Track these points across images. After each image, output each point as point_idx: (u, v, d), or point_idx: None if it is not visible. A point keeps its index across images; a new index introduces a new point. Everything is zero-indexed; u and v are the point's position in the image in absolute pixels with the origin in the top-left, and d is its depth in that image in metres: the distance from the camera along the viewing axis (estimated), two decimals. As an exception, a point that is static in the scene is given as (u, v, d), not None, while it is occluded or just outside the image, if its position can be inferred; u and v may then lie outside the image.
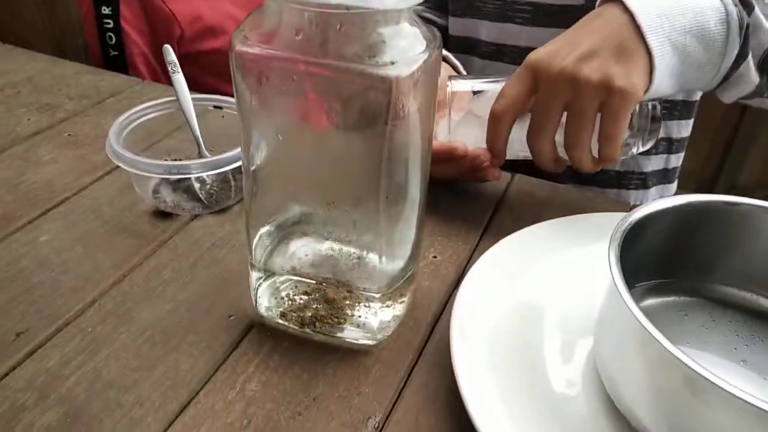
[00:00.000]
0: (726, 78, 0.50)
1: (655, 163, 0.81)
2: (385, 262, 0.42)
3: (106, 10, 0.89)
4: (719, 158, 1.69)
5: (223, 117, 0.63)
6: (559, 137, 0.52)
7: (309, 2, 0.32)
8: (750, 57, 0.49)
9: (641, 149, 0.55)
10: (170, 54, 0.63)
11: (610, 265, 0.36)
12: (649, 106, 0.53)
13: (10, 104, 0.72)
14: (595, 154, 0.51)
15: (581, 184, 0.76)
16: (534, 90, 0.50)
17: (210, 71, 0.93)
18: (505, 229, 0.53)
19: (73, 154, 0.64)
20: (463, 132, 0.57)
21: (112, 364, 0.42)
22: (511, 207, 0.60)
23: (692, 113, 0.82)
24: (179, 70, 0.62)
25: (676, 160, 0.84)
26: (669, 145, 0.81)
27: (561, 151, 0.53)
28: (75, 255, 0.51)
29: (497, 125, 0.52)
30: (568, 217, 0.54)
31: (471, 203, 0.60)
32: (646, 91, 0.48)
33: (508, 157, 0.55)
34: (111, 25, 0.89)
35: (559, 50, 0.49)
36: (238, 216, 0.57)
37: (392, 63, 0.33)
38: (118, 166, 0.62)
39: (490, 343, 0.42)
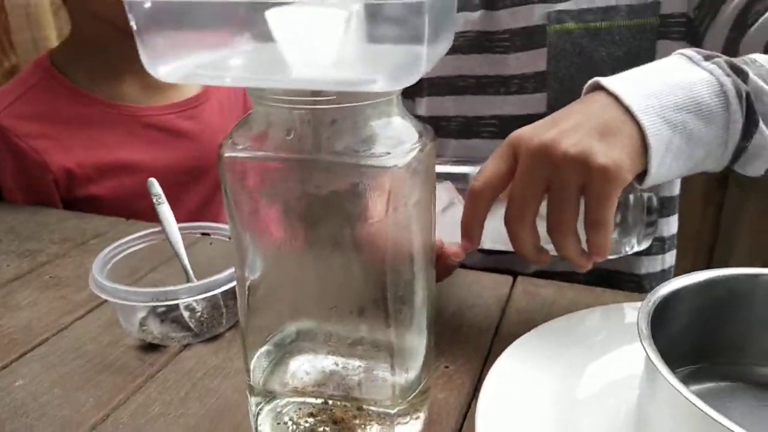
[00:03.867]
0: (742, 151, 0.47)
1: (649, 265, 0.80)
2: (398, 372, 0.39)
3: None
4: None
5: (211, 244, 0.61)
6: (542, 229, 0.48)
7: (299, 100, 0.32)
8: (762, 124, 0.46)
9: (637, 247, 0.51)
10: (155, 186, 0.62)
11: (646, 352, 0.34)
12: (644, 197, 0.50)
13: (-10, 252, 0.70)
14: (584, 244, 0.49)
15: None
16: (514, 168, 0.46)
17: (99, 214, 0.87)
18: (515, 331, 0.50)
19: (53, 295, 0.61)
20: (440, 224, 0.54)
21: None
22: (518, 308, 0.57)
23: (676, 207, 0.82)
24: (164, 200, 0.61)
25: (671, 258, 0.83)
26: (662, 245, 0.81)
27: (546, 245, 0.49)
28: (53, 398, 0.47)
29: (475, 203, 0.47)
30: (579, 312, 0.52)
31: (476, 308, 0.57)
32: (644, 175, 0.45)
33: (485, 246, 0.51)
34: None
35: (540, 127, 0.46)
36: (231, 342, 0.54)
37: (388, 153, 0.32)
38: (101, 304, 0.60)
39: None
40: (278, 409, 0.42)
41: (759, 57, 0.49)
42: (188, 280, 0.58)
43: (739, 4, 0.62)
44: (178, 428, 0.44)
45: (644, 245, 0.51)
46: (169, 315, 0.56)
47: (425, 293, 0.39)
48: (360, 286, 0.36)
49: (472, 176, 0.49)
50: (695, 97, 0.45)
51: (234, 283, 0.52)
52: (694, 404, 0.30)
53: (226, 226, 0.60)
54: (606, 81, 0.46)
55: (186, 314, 0.54)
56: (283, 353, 0.42)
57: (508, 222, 0.47)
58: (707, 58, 0.47)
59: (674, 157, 0.45)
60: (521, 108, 0.74)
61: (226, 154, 0.34)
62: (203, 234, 0.61)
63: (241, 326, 0.40)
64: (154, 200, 0.61)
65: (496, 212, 0.49)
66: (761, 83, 0.46)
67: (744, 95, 0.45)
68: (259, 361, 0.42)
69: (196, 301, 0.55)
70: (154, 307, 0.56)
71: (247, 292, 0.39)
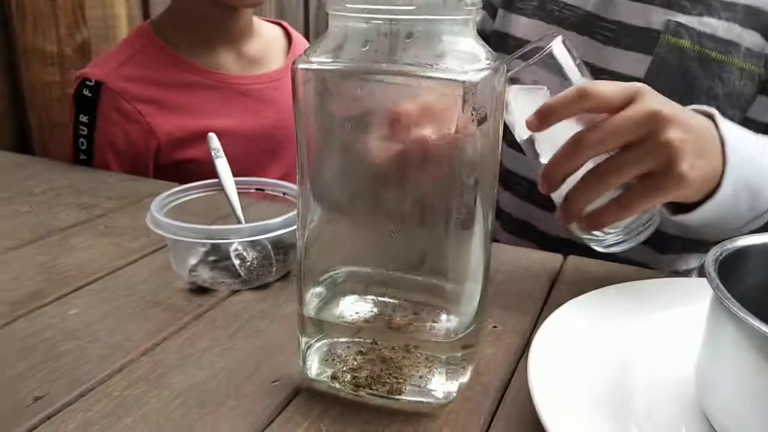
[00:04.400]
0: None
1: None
2: (452, 311, 0.38)
3: (83, 118, 0.89)
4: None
5: (264, 200, 0.62)
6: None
7: (378, 10, 0.32)
8: None
9: (610, 247, 0.53)
10: (214, 140, 0.63)
11: (714, 288, 0.32)
12: (654, 217, 0.51)
13: (50, 203, 0.72)
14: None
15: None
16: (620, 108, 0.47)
17: (183, 179, 0.91)
18: (565, 301, 0.49)
19: (108, 241, 0.63)
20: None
21: (140, 428, 0.37)
22: (569, 282, 0.56)
23: None
24: (222, 155, 0.62)
25: None
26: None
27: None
28: (105, 326, 0.47)
29: (580, 153, 0.47)
30: (634, 282, 0.50)
31: (526, 280, 0.56)
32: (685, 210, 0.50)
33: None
34: (85, 132, 0.89)
35: (668, 102, 0.48)
36: (280, 292, 0.54)
37: (461, 69, 0.32)
38: (154, 251, 0.60)
39: (577, 403, 0.37)
40: (327, 347, 0.41)
41: None
42: (240, 229, 0.58)
43: None
44: (225, 361, 0.44)
45: (613, 249, 0.53)
46: (219, 263, 0.56)
47: (484, 227, 0.38)
48: (423, 204, 0.35)
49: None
50: (764, 184, 0.51)
51: (283, 231, 0.53)
52: (763, 332, 0.28)
53: (280, 182, 0.61)
54: (720, 121, 0.50)
55: (236, 262, 0.55)
56: (334, 291, 0.42)
57: (600, 169, 0.47)
58: None
59: (717, 219, 0.51)
60: None
61: (300, 66, 0.34)
62: (257, 189, 0.61)
63: (299, 259, 0.40)
64: (213, 153, 0.62)
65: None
66: None
67: None
68: (312, 297, 0.41)
69: (246, 249, 0.55)
70: (206, 254, 0.57)
71: (308, 222, 0.39)
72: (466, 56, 0.33)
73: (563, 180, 0.49)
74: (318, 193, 0.38)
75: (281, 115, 1.01)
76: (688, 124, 0.47)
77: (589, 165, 0.48)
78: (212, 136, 0.63)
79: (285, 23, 1.11)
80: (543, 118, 0.47)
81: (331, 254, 0.42)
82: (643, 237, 0.52)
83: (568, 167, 0.48)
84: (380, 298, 0.42)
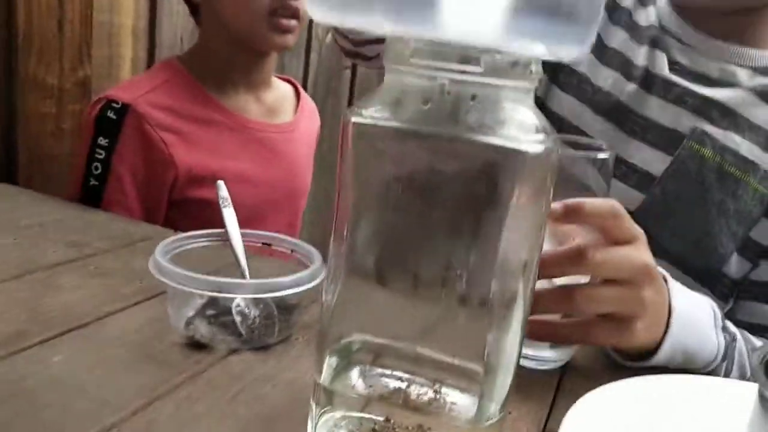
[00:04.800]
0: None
1: None
2: (485, 398, 0.36)
3: (102, 141, 0.86)
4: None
5: (270, 255, 0.59)
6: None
7: (444, 68, 0.31)
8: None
9: (545, 363, 0.53)
10: (222, 189, 0.61)
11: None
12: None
13: (37, 238, 0.68)
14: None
15: None
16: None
17: (191, 218, 0.89)
18: (577, 391, 0.46)
19: (98, 283, 0.59)
20: None
21: (131, 501, 0.33)
22: (579, 368, 0.54)
23: None
24: (230, 204, 0.60)
25: None
26: None
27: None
28: (93, 378, 0.43)
29: (578, 264, 0.48)
30: (655, 376, 0.48)
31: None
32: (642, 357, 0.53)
33: None
34: (102, 156, 0.86)
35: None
36: (282, 354, 0.50)
37: (521, 139, 0.31)
38: (148, 298, 0.57)
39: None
40: (337, 421, 0.38)
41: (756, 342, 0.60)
42: (244, 285, 0.55)
43: None
44: (225, 429, 0.40)
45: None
46: (219, 318, 0.53)
47: (525, 311, 0.36)
48: (468, 283, 0.33)
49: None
50: (701, 353, 0.54)
51: (293, 291, 0.50)
52: None
53: (288, 238, 0.58)
54: (672, 287, 0.53)
55: (238, 318, 0.51)
56: (350, 359, 0.39)
57: (575, 292, 0.49)
58: (724, 329, 0.56)
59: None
60: (611, 191, 0.73)
61: (354, 120, 0.32)
62: (264, 244, 0.59)
63: (323, 323, 0.37)
64: (221, 203, 0.60)
65: None
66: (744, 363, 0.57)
67: (728, 360, 0.56)
68: (328, 364, 0.38)
69: (248, 307, 0.52)
70: (204, 309, 0.53)
71: (339, 285, 0.36)
72: (527, 126, 0.32)
73: (540, 278, 0.48)
74: (353, 256, 0.35)
75: (289, 168, 1.01)
76: (662, 287, 0.51)
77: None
78: (221, 184, 0.61)
79: (294, 80, 1.12)
80: (570, 214, 0.47)
81: (354, 321, 0.39)
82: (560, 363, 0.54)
83: (556, 270, 0.48)
84: (398, 372, 0.39)
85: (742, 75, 0.72)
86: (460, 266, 0.33)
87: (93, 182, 0.87)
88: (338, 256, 0.36)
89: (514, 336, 0.36)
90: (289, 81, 1.13)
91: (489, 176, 0.31)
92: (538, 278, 0.48)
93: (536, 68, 0.32)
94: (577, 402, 0.43)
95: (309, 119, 1.12)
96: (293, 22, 0.92)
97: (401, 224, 0.34)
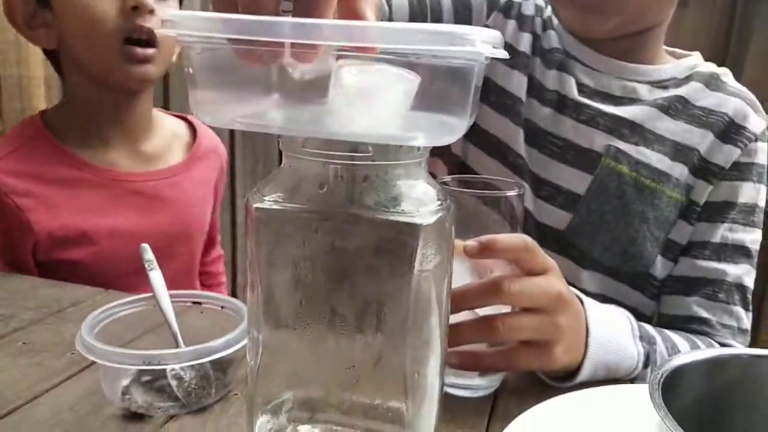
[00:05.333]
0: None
1: None
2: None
3: None
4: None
5: (201, 313, 0.60)
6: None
7: (336, 155, 0.33)
8: None
9: (477, 390, 0.57)
10: (147, 252, 0.61)
11: (660, 415, 0.34)
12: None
13: (-42, 318, 0.67)
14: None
15: None
16: None
17: (72, 280, 0.83)
18: (512, 412, 0.50)
19: (28, 361, 0.58)
20: None
21: None
22: (512, 389, 0.57)
23: None
24: (156, 266, 0.60)
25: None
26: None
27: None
28: (27, 469, 0.43)
29: (496, 295, 0.51)
30: (582, 391, 0.52)
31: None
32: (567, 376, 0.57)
33: None
34: None
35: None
36: (220, 415, 0.51)
37: (417, 212, 0.33)
38: (80, 371, 0.57)
39: None
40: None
41: (679, 344, 0.65)
42: (177, 347, 0.56)
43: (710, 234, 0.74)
44: (165, 502, 0.41)
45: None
46: (155, 384, 0.53)
47: (440, 360, 0.38)
48: (380, 345, 0.35)
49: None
50: (622, 365, 0.57)
51: (225, 353, 0.51)
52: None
53: (218, 295, 0.59)
54: (588, 308, 0.56)
55: (174, 383, 0.52)
56: (284, 418, 0.41)
57: (495, 322, 0.52)
58: (641, 338, 0.60)
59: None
60: (540, 214, 0.76)
61: (257, 206, 0.34)
62: (194, 303, 0.59)
63: (249, 389, 0.39)
64: (146, 266, 0.60)
65: None
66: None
67: (651, 364, 0.60)
68: (262, 425, 0.40)
69: (184, 370, 0.53)
70: (139, 375, 0.54)
71: (260, 353, 0.38)
72: (419, 198, 0.35)
73: (462, 309, 0.52)
74: (268, 321, 0.37)
75: (176, 214, 0.97)
76: (578, 311, 0.55)
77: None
78: (145, 247, 0.61)
79: (191, 117, 1.06)
80: (485, 250, 0.50)
81: (280, 379, 0.41)
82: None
83: (476, 302, 0.51)
84: (330, 426, 0.41)
85: (642, 90, 0.77)
86: (374, 331, 0.35)
87: None
88: (255, 326, 0.37)
89: (432, 370, 0.38)
90: (184, 118, 1.07)
91: (389, 249, 0.34)
92: (461, 310, 0.51)
93: (423, 148, 0.34)
94: (508, 426, 0.46)
95: (205, 157, 1.06)
96: (149, 51, 0.87)
97: (311, 299, 0.35)
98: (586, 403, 0.51)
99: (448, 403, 0.54)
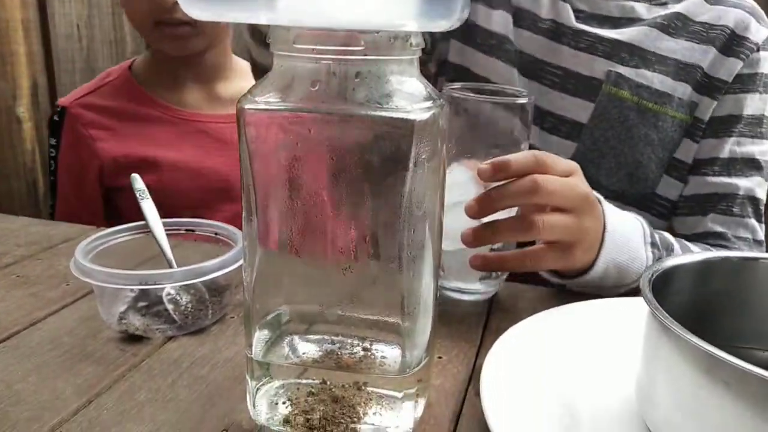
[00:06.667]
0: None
1: None
2: (406, 347, 0.38)
3: (52, 141, 1.02)
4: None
5: (195, 241, 0.60)
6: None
7: (327, 50, 0.32)
8: None
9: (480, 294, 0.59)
10: (138, 182, 0.61)
11: (650, 307, 0.35)
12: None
13: (-50, 254, 0.66)
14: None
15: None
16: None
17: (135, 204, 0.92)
18: (504, 327, 0.50)
19: (23, 293, 0.58)
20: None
21: (82, 495, 0.34)
22: (505, 308, 0.58)
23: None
24: (148, 196, 0.60)
25: None
26: None
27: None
28: (28, 386, 0.44)
29: (536, 192, 0.51)
30: (570, 305, 0.53)
31: (462, 307, 0.58)
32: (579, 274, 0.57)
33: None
34: (53, 154, 1.02)
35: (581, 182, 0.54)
36: (218, 335, 0.52)
37: (410, 108, 0.33)
38: (76, 300, 0.57)
39: (530, 428, 0.38)
40: (277, 389, 0.40)
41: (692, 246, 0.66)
42: (172, 273, 0.56)
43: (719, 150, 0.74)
44: (168, 413, 0.42)
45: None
46: (151, 309, 0.53)
47: (434, 259, 0.39)
48: (376, 243, 0.36)
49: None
50: (631, 267, 0.58)
51: (220, 272, 0.51)
52: (699, 346, 0.30)
53: (211, 222, 0.59)
54: (606, 208, 0.57)
55: (170, 307, 0.52)
56: (280, 331, 0.41)
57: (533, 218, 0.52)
58: (653, 244, 0.60)
59: (590, 287, 0.58)
60: (546, 145, 0.75)
61: (248, 107, 0.34)
62: (187, 230, 0.59)
63: (246, 300, 0.39)
64: (138, 195, 0.60)
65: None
66: None
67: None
68: (258, 339, 0.40)
69: (179, 294, 0.53)
70: (135, 302, 0.54)
71: (255, 266, 0.38)
72: (412, 95, 0.34)
73: (499, 209, 0.51)
74: (266, 234, 0.37)
75: (236, 158, 1.04)
76: (599, 213, 0.55)
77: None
78: (136, 177, 0.61)
79: None
80: (499, 171, 0.50)
81: (277, 294, 0.41)
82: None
83: (514, 200, 0.51)
84: (327, 336, 0.42)
85: (641, 9, 0.76)
86: (369, 229, 0.35)
87: (51, 178, 1.03)
88: (251, 234, 0.37)
89: (427, 283, 0.38)
90: None
91: (383, 146, 0.33)
92: (497, 210, 0.52)
93: (416, 40, 0.34)
94: (498, 339, 0.47)
95: None
96: (182, 30, 0.96)
97: (306, 201, 0.35)
98: (575, 316, 0.52)
99: (445, 316, 0.55)
